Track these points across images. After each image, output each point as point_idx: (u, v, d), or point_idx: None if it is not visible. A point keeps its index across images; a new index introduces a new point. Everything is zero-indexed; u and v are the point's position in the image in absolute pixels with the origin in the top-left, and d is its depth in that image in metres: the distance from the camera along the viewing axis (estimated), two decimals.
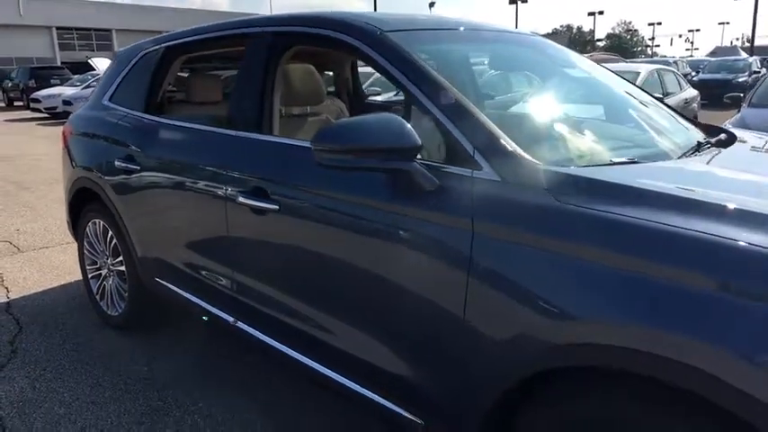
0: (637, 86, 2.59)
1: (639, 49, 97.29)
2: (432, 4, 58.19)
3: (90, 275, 3.34)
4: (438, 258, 1.54)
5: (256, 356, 2.77)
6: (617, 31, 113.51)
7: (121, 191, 2.79)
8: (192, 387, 2.60)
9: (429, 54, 1.88)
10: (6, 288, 3.83)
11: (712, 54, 31.81)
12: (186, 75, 3.29)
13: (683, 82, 8.91)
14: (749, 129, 5.69)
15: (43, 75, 22.16)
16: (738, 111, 6.84)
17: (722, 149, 1.91)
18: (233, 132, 2.22)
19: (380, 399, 1.79)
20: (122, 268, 3.01)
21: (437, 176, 1.57)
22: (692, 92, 8.95)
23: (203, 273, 2.44)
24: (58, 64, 28.14)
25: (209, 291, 2.42)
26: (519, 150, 1.50)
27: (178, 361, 2.84)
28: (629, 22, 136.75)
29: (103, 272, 3.23)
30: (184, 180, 2.41)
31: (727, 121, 6.22)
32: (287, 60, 2.31)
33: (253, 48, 2.29)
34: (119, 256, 3.02)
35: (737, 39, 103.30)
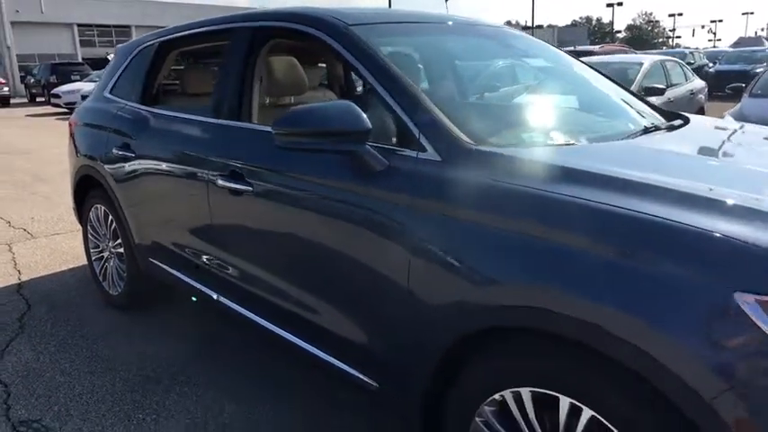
0: (606, 76, 2.69)
1: (661, 40, 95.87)
2: None
3: (93, 258, 3.55)
4: (386, 233, 1.69)
5: (248, 335, 2.94)
6: (637, 23, 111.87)
7: (119, 177, 2.98)
8: (185, 361, 2.79)
9: (390, 45, 2.02)
10: (18, 271, 4.06)
11: (736, 45, 31.25)
12: (182, 68, 3.46)
13: (689, 73, 8.89)
14: (747, 119, 5.73)
15: (64, 71, 22.65)
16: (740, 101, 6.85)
17: (666, 133, 2.03)
18: (215, 120, 2.39)
19: (340, 364, 1.95)
20: (121, 250, 3.21)
21: (388, 158, 1.72)
22: (698, 83, 8.93)
23: (190, 252, 2.62)
24: (79, 60, 28.74)
25: (195, 269, 2.60)
26: (458, 133, 1.64)
27: (173, 337, 3.03)
28: (650, 13, 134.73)
29: (105, 254, 3.43)
30: (173, 165, 2.59)
31: (727, 112, 6.25)
32: (267, 53, 2.47)
33: (234, 41, 2.45)
34: (118, 238, 3.22)
35: (762, 29, 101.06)
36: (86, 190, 3.44)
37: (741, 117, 5.91)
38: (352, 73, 3.27)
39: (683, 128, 2.13)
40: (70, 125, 3.62)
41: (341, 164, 1.79)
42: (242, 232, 2.27)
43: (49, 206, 5.93)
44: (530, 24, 48.78)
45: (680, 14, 75.81)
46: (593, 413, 1.32)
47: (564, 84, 2.40)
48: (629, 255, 1.23)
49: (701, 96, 8.84)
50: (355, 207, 1.77)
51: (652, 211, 1.25)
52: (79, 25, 34.69)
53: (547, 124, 2.01)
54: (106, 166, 3.07)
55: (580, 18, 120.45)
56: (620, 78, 7.70)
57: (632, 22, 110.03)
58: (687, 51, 21.65)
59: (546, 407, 1.42)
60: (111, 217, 3.23)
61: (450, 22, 2.37)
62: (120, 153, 2.92)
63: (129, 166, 2.88)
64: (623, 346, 1.22)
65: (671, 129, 2.14)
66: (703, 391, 1.13)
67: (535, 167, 1.48)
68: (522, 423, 1.48)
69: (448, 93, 2.07)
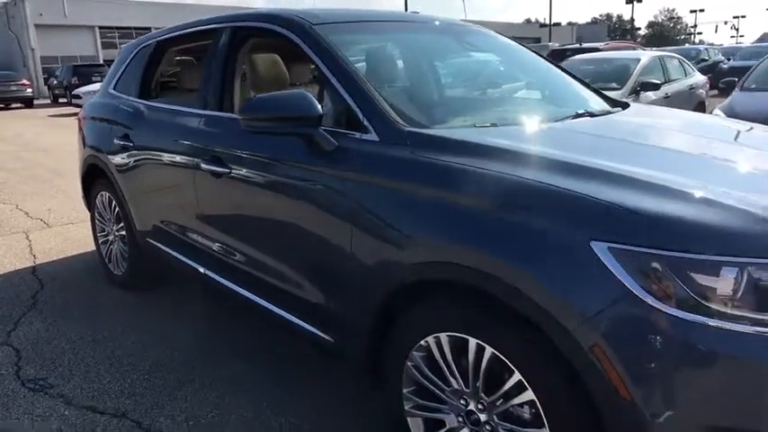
0: (559, 66, 2.91)
1: (683, 37, 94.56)
2: None
3: (100, 241, 3.86)
4: (334, 204, 1.94)
5: (236, 310, 3.22)
6: (659, 20, 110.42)
7: (120, 164, 3.28)
8: (180, 331, 3.07)
9: (348, 42, 2.28)
10: (34, 255, 4.40)
11: (760, 40, 30.87)
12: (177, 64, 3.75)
13: (689, 69, 8.98)
14: (737, 114, 5.84)
15: (85, 72, 23.27)
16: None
17: (591, 118, 2.25)
18: (201, 111, 2.67)
19: (303, 323, 2.21)
20: (124, 233, 3.51)
21: (338, 139, 1.97)
22: (698, 78, 9.02)
23: (180, 231, 2.90)
24: (101, 62, 29.44)
25: (185, 246, 2.88)
26: (395, 117, 1.90)
27: (170, 313, 3.32)
28: (672, 10, 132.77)
29: (110, 237, 3.74)
30: (165, 153, 2.87)
31: (718, 106, 6.35)
32: (250, 51, 2.73)
33: (217, 40, 2.72)
34: (121, 222, 3.51)
35: None
36: (93, 178, 3.75)
37: (731, 111, 6.02)
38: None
39: (613, 115, 2.35)
40: (79, 120, 3.94)
41: (298, 145, 2.05)
42: (222, 210, 2.54)
43: (64, 198, 6.29)
44: (548, 22, 48.55)
45: (701, 11, 74.75)
46: (493, 350, 1.56)
47: (507, 74, 2.63)
48: (510, 213, 1.48)
49: (701, 91, 8.94)
50: (310, 183, 2.03)
51: (532, 177, 1.49)
52: (101, 27, 35.48)
53: (476, 110, 2.25)
54: (109, 156, 3.37)
55: (600, 15, 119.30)
56: (618, 74, 7.87)
57: (654, 19, 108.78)
58: (702, 48, 21.52)
59: (460, 349, 1.66)
60: (114, 202, 3.53)
61: (409, 21, 2.62)
62: (121, 143, 3.21)
63: (128, 155, 3.18)
64: (509, 290, 1.46)
65: (601, 115, 2.36)
66: (567, 323, 1.36)
67: (448, 144, 1.73)
68: (442, 364, 1.72)
69: (392, 83, 2.31)
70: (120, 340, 3.00)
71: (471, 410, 1.69)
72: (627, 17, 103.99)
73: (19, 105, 23.29)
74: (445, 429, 1.77)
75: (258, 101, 2.01)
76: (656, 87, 7.58)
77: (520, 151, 1.64)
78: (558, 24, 49.94)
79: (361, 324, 1.92)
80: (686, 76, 8.78)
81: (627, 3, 59.37)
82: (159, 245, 3.14)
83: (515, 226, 1.47)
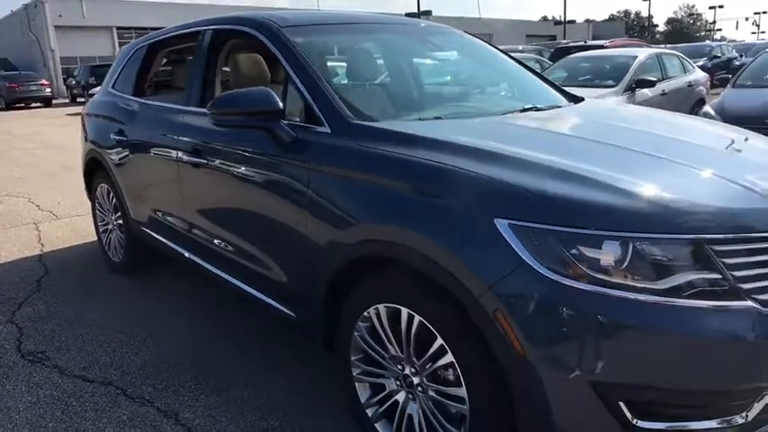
0: (522, 64, 3.08)
1: (703, 33, 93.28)
2: None
3: (101, 230, 4.12)
4: (293, 191, 2.15)
5: (222, 293, 3.44)
6: (679, 16, 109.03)
7: (115, 157, 3.52)
8: (170, 314, 3.30)
9: (313, 44, 2.48)
10: (42, 244, 4.68)
11: None
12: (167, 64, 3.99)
13: (689, 66, 9.04)
14: (725, 111, 5.93)
15: (102, 72, 23.53)
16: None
17: (536, 112, 2.43)
18: (184, 107, 2.89)
19: (270, 300, 2.42)
20: (121, 222, 3.76)
21: (297, 132, 2.17)
22: (698, 75, 9.06)
23: (168, 218, 3.13)
24: None
25: (172, 232, 3.11)
26: (345, 110, 2.10)
27: (164, 294, 3.56)
28: (692, 6, 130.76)
29: (110, 227, 3.98)
30: (154, 146, 3.10)
31: (709, 103, 6.42)
32: (230, 51, 2.94)
33: (201, 42, 2.94)
34: (118, 212, 3.76)
35: None
36: (93, 171, 4.00)
37: (720, 108, 6.11)
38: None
39: (559, 109, 2.52)
40: (82, 117, 4.19)
41: (262, 137, 2.25)
42: (202, 199, 2.76)
43: (73, 192, 6.57)
44: (563, 19, 48.42)
45: (720, 7, 73.40)
46: (420, 318, 1.75)
47: (467, 72, 2.82)
48: (428, 194, 1.68)
49: (701, 88, 8.98)
50: (273, 171, 2.24)
51: (450, 162, 1.68)
52: (118, 28, 36.13)
53: (427, 105, 2.44)
54: (106, 150, 3.62)
55: (618, 12, 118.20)
56: (615, 71, 7.96)
57: (673, 16, 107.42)
58: (714, 45, 21.36)
59: (395, 319, 1.86)
60: (111, 193, 3.77)
61: (376, 23, 2.82)
62: (117, 138, 3.45)
63: (122, 149, 3.42)
64: (429, 263, 1.65)
65: (547, 109, 2.53)
66: (475, 291, 1.55)
67: (386, 135, 1.93)
68: (382, 333, 1.92)
69: (349, 80, 2.51)
70: (114, 320, 3.23)
71: (407, 374, 1.88)
72: (646, 14, 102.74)
73: (38, 105, 23.92)
74: (386, 392, 1.97)
75: (225, 97, 2.22)
76: (651, 84, 7.67)
77: (446, 141, 1.83)
78: (572, 22, 49.60)
79: (317, 299, 2.13)
80: (685, 73, 8.84)
81: (643, 0, 58.68)
82: (151, 233, 3.37)
83: (432, 205, 1.67)
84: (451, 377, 1.75)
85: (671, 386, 1.47)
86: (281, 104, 2.15)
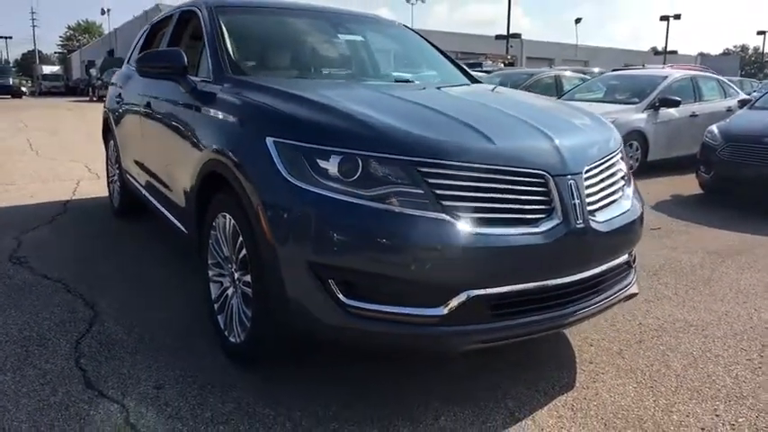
0: (444, 54, 3.51)
1: None
2: (578, 21, 57.15)
3: (109, 181, 4.92)
4: (187, 126, 2.72)
5: None
6: None
7: (115, 116, 4.29)
8: (148, 247, 3.98)
9: (234, 21, 3.07)
10: (73, 194, 5.59)
11: None
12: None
13: (731, 91, 8.81)
14: (730, 130, 5.93)
15: None
16: None
17: (408, 84, 2.92)
18: None
19: (176, 221, 3.01)
20: (118, 172, 4.51)
21: (196, 84, 2.76)
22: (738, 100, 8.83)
23: (135, 163, 3.82)
24: None
25: (138, 176, 3.78)
26: (228, 68, 2.67)
27: (148, 236, 4.26)
28: None
29: (114, 178, 4.77)
30: (132, 104, 3.81)
31: (716, 123, 6.36)
32: (184, 25, 3.56)
33: (173, 21, 3.62)
34: (117, 163, 4.52)
35: None
36: (106, 132, 4.82)
37: (726, 128, 6.08)
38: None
39: (434, 86, 2.96)
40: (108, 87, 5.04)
41: (175, 87, 2.86)
42: (148, 141, 3.42)
43: None
44: (672, 51, 47.18)
45: None
46: (233, 221, 2.24)
47: (369, 52, 3.34)
48: (238, 123, 2.19)
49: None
50: (178, 114, 2.85)
51: (261, 100, 2.23)
52: None
53: (303, 70, 2.98)
54: (111, 111, 4.41)
55: (735, 47, 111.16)
56: (642, 89, 7.97)
57: None
58: None
59: (227, 224, 2.35)
60: (113, 148, 4.55)
61: (298, 9, 3.41)
62: (116, 100, 4.23)
63: (119, 109, 4.18)
64: (233, 176, 2.15)
65: (424, 84, 2.99)
66: (250, 193, 2.03)
67: (240, 83, 2.48)
68: (221, 237, 2.41)
69: (246, 48, 3.06)
70: (99, 249, 3.92)
71: (233, 272, 2.37)
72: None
73: None
74: (223, 288, 2.46)
75: (147, 54, 2.86)
76: (675, 104, 7.63)
77: (274, 88, 2.37)
78: (674, 53, 47.60)
79: (191, 213, 2.67)
80: (725, 97, 8.64)
81: (758, 34, 55.29)
82: (130, 178, 4.08)
83: (238, 131, 2.20)
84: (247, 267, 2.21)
85: (370, 270, 1.86)
86: (185, 62, 2.74)
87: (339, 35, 3.37)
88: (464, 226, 1.86)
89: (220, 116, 2.39)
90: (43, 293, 3.08)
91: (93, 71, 32.21)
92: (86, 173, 6.81)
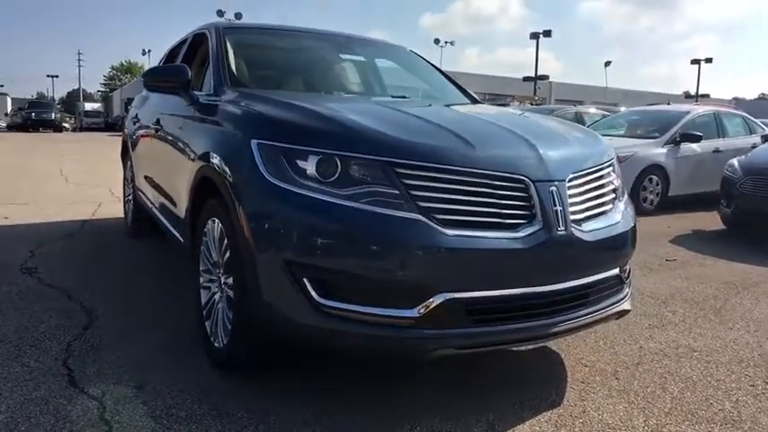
0: (448, 78, 3.57)
1: None
2: (608, 63, 57.28)
3: (125, 201, 5.06)
4: (190, 137, 2.79)
5: None
6: None
7: (131, 137, 4.45)
8: (156, 259, 4.06)
9: (240, 42, 3.19)
10: (92, 215, 5.77)
11: None
12: None
13: (757, 128, 8.67)
14: (752, 163, 5.83)
15: None
16: None
17: (406, 100, 2.97)
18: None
19: (176, 233, 3.06)
20: (132, 190, 4.64)
21: (199, 97, 2.85)
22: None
23: (146, 180, 3.92)
24: None
25: (148, 191, 3.88)
26: (227, 81, 2.75)
27: (153, 250, 4.34)
28: None
29: (129, 197, 4.90)
30: (144, 123, 3.95)
31: (736, 158, 6.25)
32: (197, 47, 3.70)
33: (187, 44, 3.78)
34: (131, 182, 4.66)
35: None
36: (124, 154, 4.98)
37: (747, 160, 5.97)
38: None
39: (436, 103, 3.01)
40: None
41: (179, 102, 2.96)
42: (156, 155, 3.52)
43: None
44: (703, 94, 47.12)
45: None
46: (220, 224, 2.27)
47: (374, 72, 3.43)
48: (228, 128, 2.25)
49: None
50: (182, 126, 2.93)
51: (252, 107, 2.28)
52: None
53: (298, 84, 3.03)
54: (128, 132, 4.57)
55: None
56: (663, 124, 7.89)
57: None
58: None
59: (215, 229, 2.39)
60: (128, 167, 4.69)
61: (300, 32, 3.52)
62: (134, 120, 4.39)
63: (134, 129, 4.33)
64: (221, 178, 2.19)
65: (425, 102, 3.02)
66: (234, 192, 2.07)
67: (240, 93, 2.55)
68: (211, 243, 2.45)
69: (249, 67, 3.15)
70: (106, 262, 4.03)
71: (219, 276, 2.39)
72: None
73: None
74: (211, 293, 2.48)
75: (152, 69, 2.97)
76: (696, 139, 7.53)
77: (268, 97, 2.44)
78: (706, 96, 47.29)
79: (187, 222, 2.72)
80: (751, 134, 8.50)
81: None
82: (142, 195, 4.19)
83: (227, 135, 2.25)
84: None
85: (344, 269, 1.85)
86: (189, 76, 2.85)
87: (342, 55, 3.48)
88: (440, 227, 1.85)
89: (216, 123, 2.46)
90: (45, 300, 3.15)
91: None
92: (109, 196, 7.02)
